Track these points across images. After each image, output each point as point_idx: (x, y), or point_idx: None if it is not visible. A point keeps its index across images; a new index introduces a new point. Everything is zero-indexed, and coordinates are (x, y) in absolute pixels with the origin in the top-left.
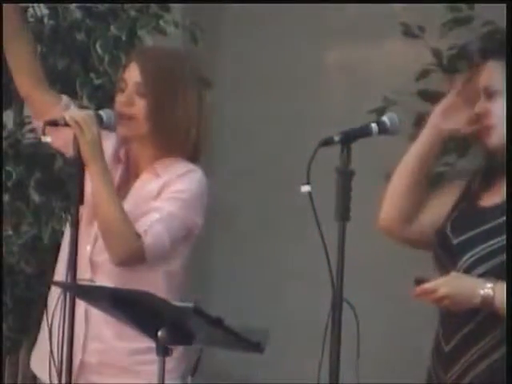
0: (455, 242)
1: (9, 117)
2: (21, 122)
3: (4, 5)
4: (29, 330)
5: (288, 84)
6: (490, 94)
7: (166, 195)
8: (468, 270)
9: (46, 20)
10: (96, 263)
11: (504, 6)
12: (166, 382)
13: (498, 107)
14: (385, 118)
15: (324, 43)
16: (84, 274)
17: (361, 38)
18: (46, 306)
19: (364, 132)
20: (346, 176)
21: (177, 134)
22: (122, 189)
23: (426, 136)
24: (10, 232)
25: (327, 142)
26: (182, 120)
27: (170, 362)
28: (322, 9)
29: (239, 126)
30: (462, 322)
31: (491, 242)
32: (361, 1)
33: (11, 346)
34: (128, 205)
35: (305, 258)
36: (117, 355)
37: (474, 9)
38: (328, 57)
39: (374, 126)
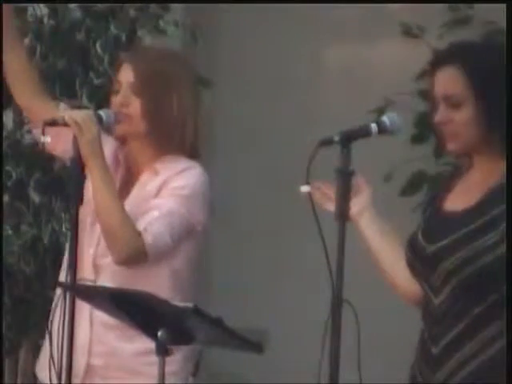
0: (430, 250)
1: (8, 117)
2: (20, 122)
3: None
4: (28, 330)
5: (288, 84)
6: (453, 104)
7: (165, 192)
8: (448, 277)
9: (45, 20)
10: (99, 266)
11: (504, 6)
12: (172, 383)
13: (463, 116)
14: (384, 118)
15: (324, 43)
16: (87, 277)
17: (361, 38)
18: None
19: (364, 132)
20: (345, 176)
21: (173, 132)
22: (124, 191)
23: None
24: (10, 232)
25: (327, 142)
26: (178, 118)
27: (177, 363)
28: (321, 9)
29: (239, 126)
30: (450, 324)
31: (469, 247)
32: (361, 1)
33: (11, 346)
34: (129, 205)
35: (305, 257)
36: (122, 357)
37: (474, 8)
38: (328, 57)
39: (373, 126)
